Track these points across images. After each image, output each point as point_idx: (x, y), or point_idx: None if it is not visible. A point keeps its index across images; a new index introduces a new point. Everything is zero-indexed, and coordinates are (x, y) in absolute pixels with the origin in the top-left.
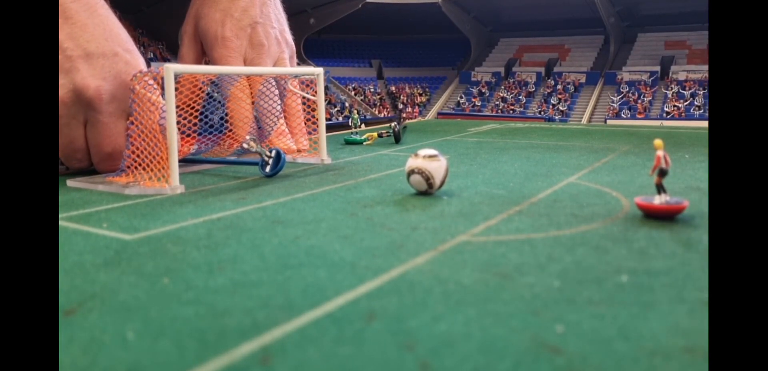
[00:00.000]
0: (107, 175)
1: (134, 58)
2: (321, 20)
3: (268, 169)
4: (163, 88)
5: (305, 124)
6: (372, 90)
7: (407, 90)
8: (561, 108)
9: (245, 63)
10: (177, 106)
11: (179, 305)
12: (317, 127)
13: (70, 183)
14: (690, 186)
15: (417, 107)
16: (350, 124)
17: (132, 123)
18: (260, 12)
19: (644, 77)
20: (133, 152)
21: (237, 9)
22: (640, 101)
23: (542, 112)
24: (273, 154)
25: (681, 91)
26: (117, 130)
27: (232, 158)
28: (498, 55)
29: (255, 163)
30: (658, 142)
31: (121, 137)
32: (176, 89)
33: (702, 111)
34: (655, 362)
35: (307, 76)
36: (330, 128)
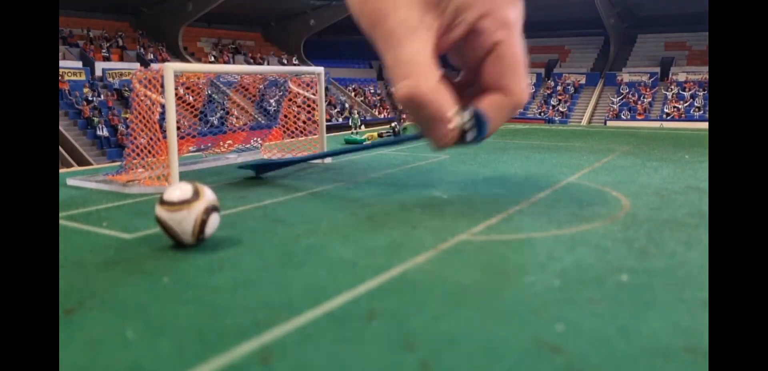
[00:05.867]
0: (107, 173)
1: None
2: (321, 21)
3: (469, 136)
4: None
5: (305, 124)
6: (372, 91)
7: None
8: (561, 109)
9: None
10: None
11: (179, 304)
12: (317, 127)
13: (70, 181)
14: (690, 187)
15: None
16: (350, 124)
17: (130, 121)
18: None
19: (644, 78)
20: (133, 150)
21: None
22: (640, 102)
23: (542, 113)
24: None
25: (681, 92)
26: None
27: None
28: None
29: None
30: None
31: None
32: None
33: (702, 112)
34: (655, 362)
35: (307, 75)
36: (330, 129)
